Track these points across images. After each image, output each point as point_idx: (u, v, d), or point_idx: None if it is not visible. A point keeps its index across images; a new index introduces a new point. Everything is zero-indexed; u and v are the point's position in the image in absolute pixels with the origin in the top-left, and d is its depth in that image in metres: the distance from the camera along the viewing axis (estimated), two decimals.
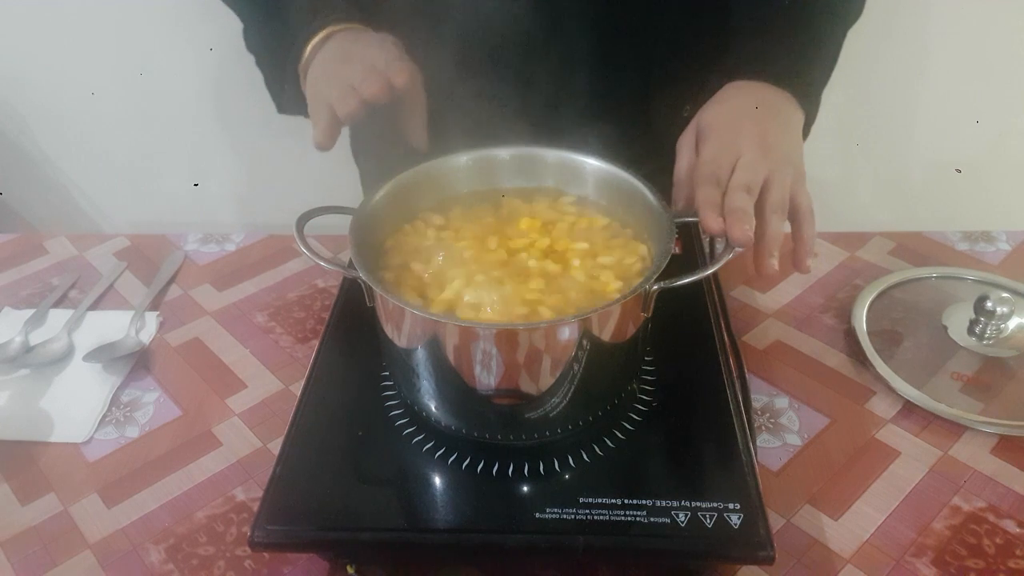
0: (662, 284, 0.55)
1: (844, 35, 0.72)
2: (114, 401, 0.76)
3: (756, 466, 0.58)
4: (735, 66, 0.68)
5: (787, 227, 0.61)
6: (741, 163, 0.60)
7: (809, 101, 0.67)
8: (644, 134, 0.79)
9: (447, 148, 0.69)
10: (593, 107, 0.78)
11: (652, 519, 0.54)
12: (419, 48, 0.73)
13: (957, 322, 0.78)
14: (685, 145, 0.66)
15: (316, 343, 0.71)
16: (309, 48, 0.68)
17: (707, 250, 0.80)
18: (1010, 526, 0.62)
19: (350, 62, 0.66)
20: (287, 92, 0.72)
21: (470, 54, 0.73)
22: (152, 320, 0.85)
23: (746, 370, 0.72)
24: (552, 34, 0.76)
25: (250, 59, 0.79)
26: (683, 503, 0.55)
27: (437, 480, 0.59)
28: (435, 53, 0.72)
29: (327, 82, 0.66)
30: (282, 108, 0.75)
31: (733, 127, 0.63)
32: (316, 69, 0.68)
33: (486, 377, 0.55)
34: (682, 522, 0.54)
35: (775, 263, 0.57)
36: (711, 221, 0.57)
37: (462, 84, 0.72)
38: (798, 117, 0.67)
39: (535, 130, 0.69)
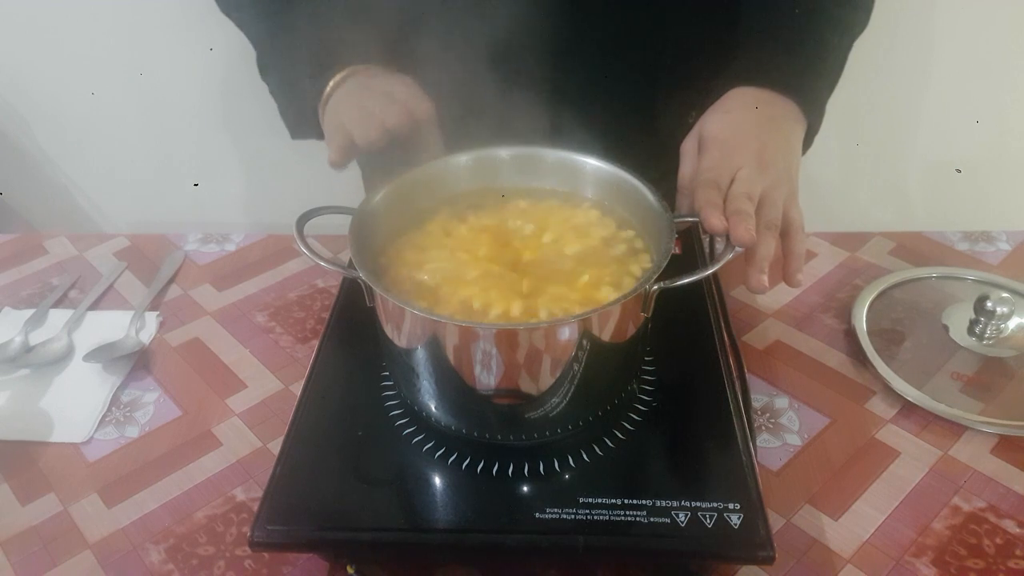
0: (662, 284, 0.55)
1: (850, 46, 0.72)
2: (114, 401, 0.76)
3: (756, 466, 0.58)
4: (741, 72, 0.68)
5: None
6: (739, 176, 0.61)
7: (814, 111, 0.68)
8: (650, 139, 0.79)
9: (449, 150, 0.69)
10: (600, 112, 0.78)
11: (652, 519, 0.54)
12: (427, 56, 0.73)
13: (957, 322, 0.79)
14: (688, 151, 0.67)
15: (316, 343, 0.71)
16: (330, 85, 0.70)
17: (707, 250, 0.80)
18: (1010, 526, 0.62)
19: (371, 94, 0.68)
20: (302, 121, 0.74)
21: (477, 59, 0.73)
22: (152, 320, 0.85)
23: (746, 370, 0.72)
24: (560, 41, 0.76)
25: (251, 60, 0.79)
26: (683, 503, 0.55)
27: (437, 480, 0.59)
28: (442, 58, 0.72)
29: (347, 110, 0.68)
30: (296, 135, 0.77)
31: (734, 139, 0.63)
32: (335, 101, 0.70)
33: (486, 377, 0.55)
34: (682, 522, 0.54)
35: (765, 279, 0.58)
36: (714, 219, 0.58)
37: (468, 89, 0.73)
38: (800, 128, 0.67)
39: (541, 136, 0.69)
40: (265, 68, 0.78)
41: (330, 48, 0.73)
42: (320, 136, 0.72)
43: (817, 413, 0.72)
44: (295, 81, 0.75)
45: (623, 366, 0.62)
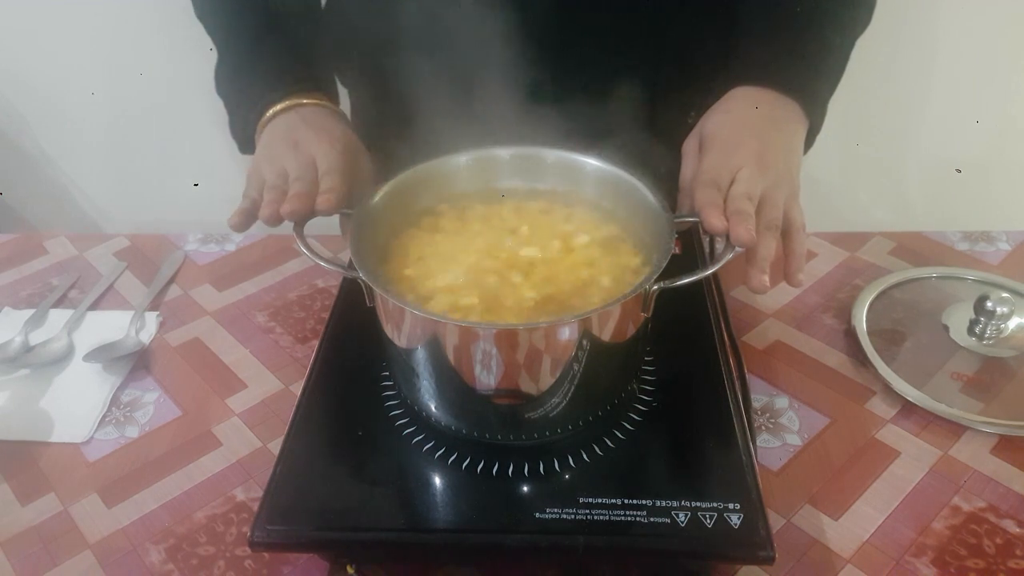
0: (662, 284, 0.55)
1: (852, 45, 0.72)
2: (114, 401, 0.76)
3: (756, 466, 0.58)
4: (742, 72, 0.68)
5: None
6: (740, 176, 0.60)
7: (815, 111, 0.68)
8: (650, 140, 0.79)
9: (449, 150, 0.69)
10: (600, 113, 0.79)
11: (652, 519, 0.54)
12: (421, 51, 0.73)
13: (957, 322, 0.78)
14: (689, 151, 0.67)
15: (316, 343, 0.71)
16: (271, 112, 0.69)
17: (707, 250, 0.80)
18: (1010, 526, 0.62)
19: (295, 151, 0.65)
20: (247, 137, 0.72)
21: (476, 58, 0.73)
22: (152, 320, 0.85)
23: (746, 370, 0.72)
24: (560, 41, 0.76)
25: None
26: (683, 503, 0.55)
27: (437, 480, 0.59)
28: (440, 56, 0.72)
29: (268, 163, 0.65)
30: (243, 149, 0.76)
31: (734, 139, 0.63)
32: (268, 137, 0.68)
33: (486, 377, 0.55)
34: (682, 522, 0.54)
35: (766, 279, 0.58)
36: (714, 219, 0.58)
37: (466, 88, 0.73)
38: (801, 128, 0.67)
39: (539, 136, 0.69)
40: (219, 79, 0.77)
41: (283, 67, 0.71)
42: None
43: (817, 413, 0.72)
44: (242, 98, 0.73)
45: (623, 366, 0.62)
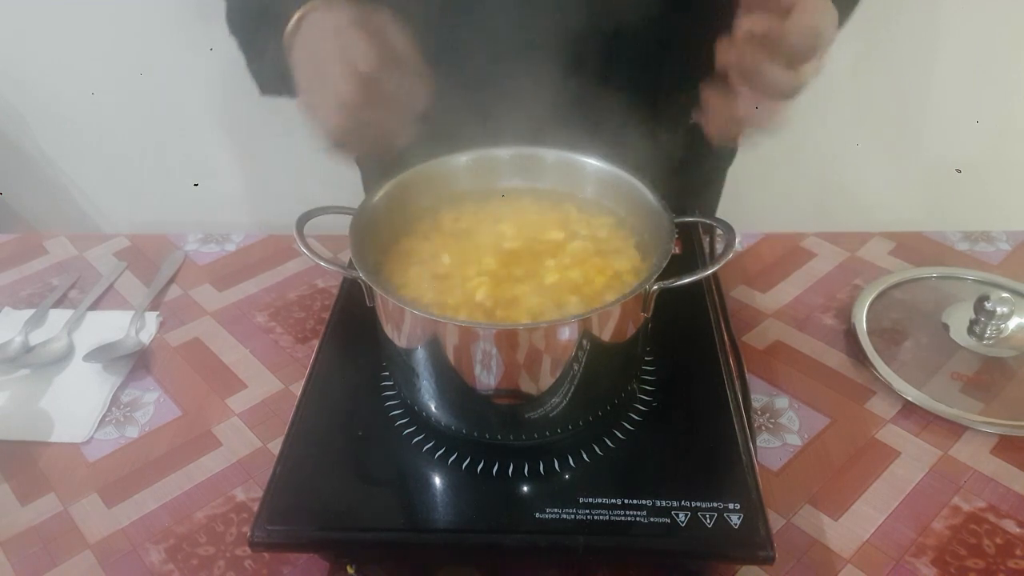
0: (662, 284, 0.55)
1: None
2: (114, 401, 0.76)
3: (756, 466, 0.58)
4: None
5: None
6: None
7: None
8: (650, 140, 0.79)
9: (448, 148, 0.69)
10: (600, 112, 0.78)
11: (652, 519, 0.54)
12: (421, 47, 0.73)
13: (957, 322, 0.79)
14: None
15: (316, 343, 0.71)
16: (294, 19, 0.61)
17: (707, 250, 0.80)
18: (1010, 526, 0.62)
19: (343, 33, 0.57)
20: (269, 67, 0.66)
21: (472, 55, 0.73)
22: (152, 320, 0.85)
23: (746, 370, 0.72)
24: (559, 40, 0.76)
25: None
26: (683, 503, 0.55)
27: (437, 480, 0.59)
28: (437, 53, 0.72)
29: (323, 51, 0.58)
30: (264, 89, 0.70)
31: None
32: (304, 41, 0.61)
33: (486, 377, 0.55)
34: (682, 522, 0.54)
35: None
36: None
37: (464, 90, 0.72)
38: None
39: (537, 136, 0.69)
40: (232, 17, 0.72)
41: None
42: (289, 92, 0.63)
43: (817, 413, 0.72)
44: (260, 19, 0.66)
45: (623, 366, 0.62)
